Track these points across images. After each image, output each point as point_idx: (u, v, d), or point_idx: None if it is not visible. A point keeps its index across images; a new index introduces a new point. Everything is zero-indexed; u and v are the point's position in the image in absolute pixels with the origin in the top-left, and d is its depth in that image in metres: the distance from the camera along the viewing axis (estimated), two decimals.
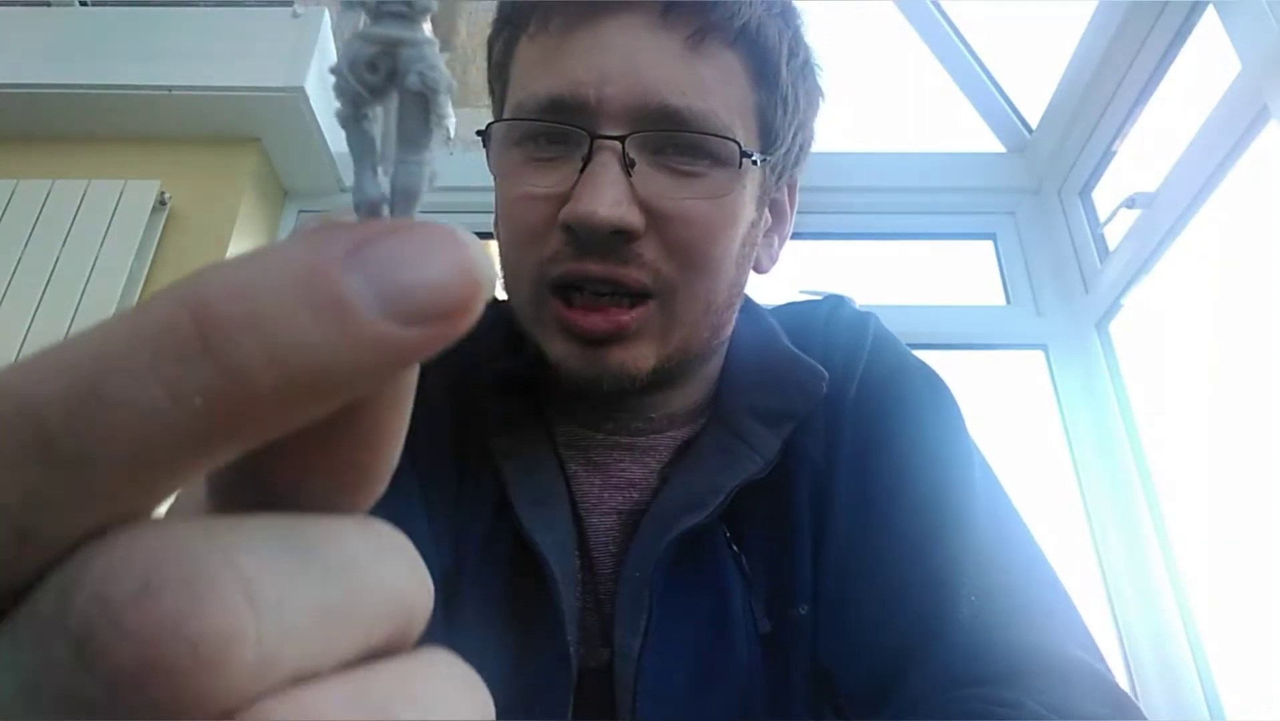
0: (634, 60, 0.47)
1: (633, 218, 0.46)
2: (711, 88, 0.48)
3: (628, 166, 0.47)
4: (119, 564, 0.10)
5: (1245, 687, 1.25)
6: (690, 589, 0.49)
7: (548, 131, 0.49)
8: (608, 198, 0.45)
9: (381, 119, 0.13)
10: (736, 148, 0.49)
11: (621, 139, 0.47)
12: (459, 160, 1.83)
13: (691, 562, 0.49)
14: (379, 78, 0.12)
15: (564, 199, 0.47)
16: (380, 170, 0.13)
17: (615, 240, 0.46)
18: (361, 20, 0.12)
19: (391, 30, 0.11)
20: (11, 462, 0.09)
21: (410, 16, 0.11)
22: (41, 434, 0.10)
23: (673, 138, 0.48)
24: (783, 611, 0.49)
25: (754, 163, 0.50)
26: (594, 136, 0.46)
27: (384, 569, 0.12)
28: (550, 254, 0.48)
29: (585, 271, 0.47)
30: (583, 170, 0.46)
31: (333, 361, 0.11)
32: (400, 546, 0.13)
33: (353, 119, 0.12)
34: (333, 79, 0.12)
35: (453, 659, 0.13)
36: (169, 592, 0.09)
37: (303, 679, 0.11)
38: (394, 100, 0.12)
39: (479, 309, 0.12)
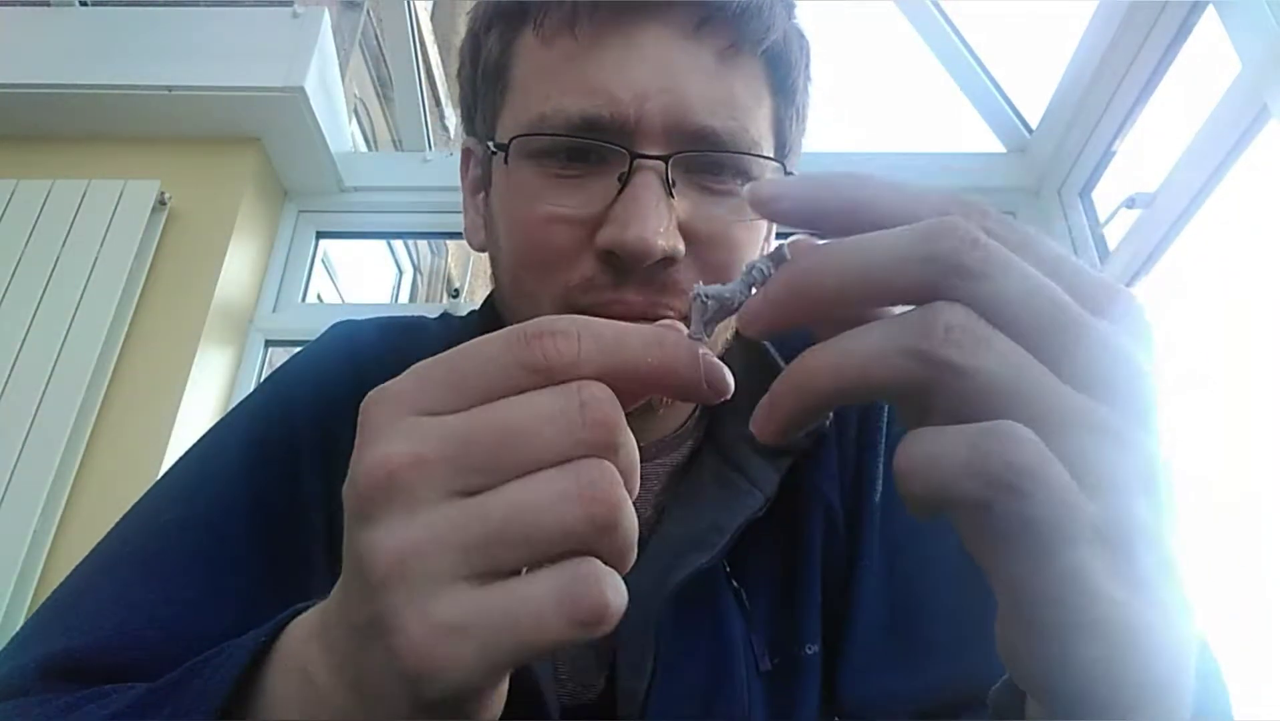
0: (670, 76, 0.45)
1: (679, 243, 0.44)
2: (744, 104, 0.47)
3: (670, 187, 0.44)
4: (594, 391, 0.24)
5: (1245, 687, 1.25)
6: (692, 627, 0.47)
7: (572, 147, 0.46)
8: (655, 223, 0.43)
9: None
10: (781, 168, 0.48)
11: (665, 159, 0.44)
12: (458, 161, 1.83)
13: (693, 600, 0.47)
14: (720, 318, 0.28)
15: (595, 221, 0.44)
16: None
17: (657, 267, 0.44)
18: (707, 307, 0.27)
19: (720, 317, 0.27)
20: None
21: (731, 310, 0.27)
22: (598, 342, 0.24)
23: (710, 157, 0.46)
24: (787, 650, 0.48)
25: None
26: (634, 156, 0.44)
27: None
28: (581, 280, 0.45)
29: (626, 303, 0.45)
30: (621, 191, 0.44)
31: (683, 369, 0.25)
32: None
33: (702, 327, 0.27)
34: (705, 314, 0.27)
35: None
36: (604, 404, 0.24)
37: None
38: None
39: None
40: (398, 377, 0.25)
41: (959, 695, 0.43)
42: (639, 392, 0.25)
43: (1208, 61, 1.33)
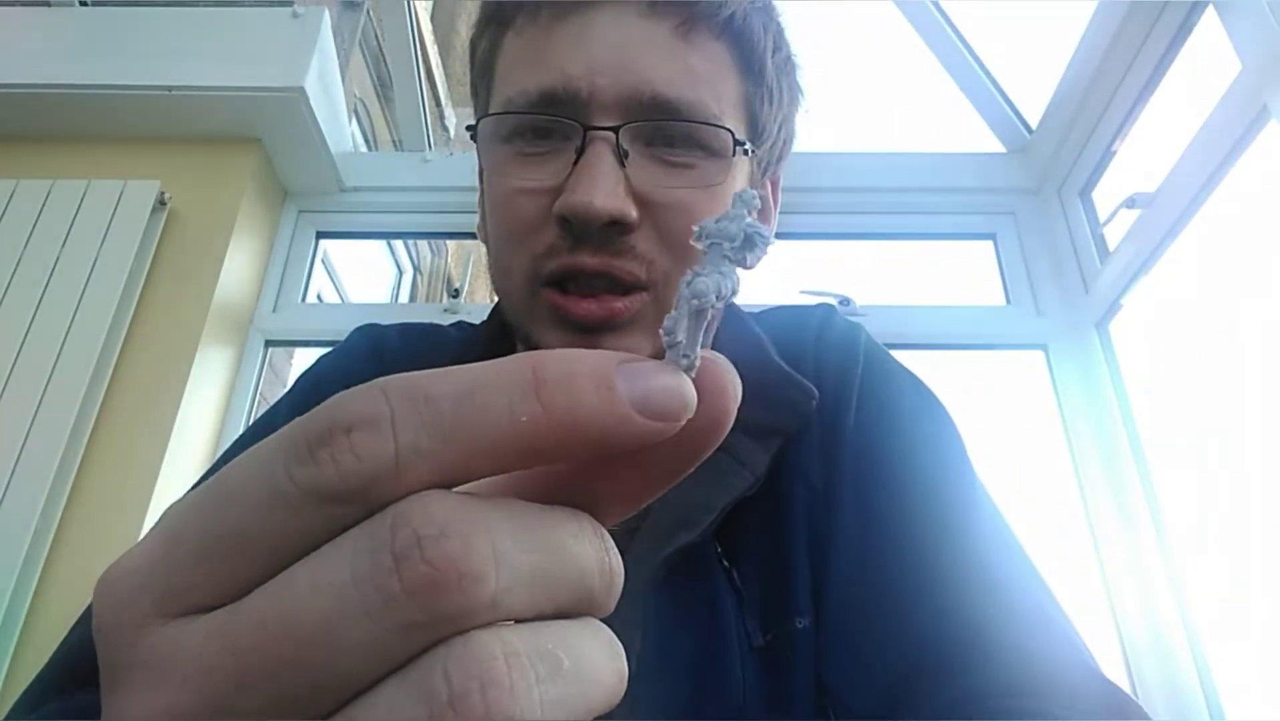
0: (624, 50, 0.47)
1: (628, 208, 0.46)
2: (701, 77, 0.48)
3: (621, 157, 0.47)
4: (430, 513, 0.15)
5: (1245, 687, 1.25)
6: (682, 606, 0.48)
7: (537, 125, 0.49)
8: (603, 188, 0.45)
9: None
10: (730, 136, 0.49)
11: (615, 130, 0.46)
12: (458, 160, 1.83)
13: (683, 579, 0.48)
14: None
15: (557, 192, 0.47)
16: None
17: (610, 231, 0.46)
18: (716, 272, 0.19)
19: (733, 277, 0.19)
20: (401, 429, 0.15)
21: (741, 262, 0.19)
22: (427, 418, 0.15)
23: (664, 128, 0.48)
24: (779, 625, 0.48)
25: (745, 152, 0.50)
26: (587, 128, 0.47)
27: (580, 548, 0.17)
28: (544, 248, 0.48)
29: (580, 265, 0.47)
30: (576, 162, 0.47)
31: (597, 422, 0.16)
32: (595, 533, 0.18)
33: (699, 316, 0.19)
34: (710, 300, 0.19)
35: (606, 630, 0.18)
36: (453, 539, 0.15)
37: (508, 618, 0.15)
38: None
39: (685, 420, 0.17)
40: (133, 548, 0.16)
41: (912, 661, 0.43)
42: (556, 460, 0.17)
43: (1208, 61, 1.33)
